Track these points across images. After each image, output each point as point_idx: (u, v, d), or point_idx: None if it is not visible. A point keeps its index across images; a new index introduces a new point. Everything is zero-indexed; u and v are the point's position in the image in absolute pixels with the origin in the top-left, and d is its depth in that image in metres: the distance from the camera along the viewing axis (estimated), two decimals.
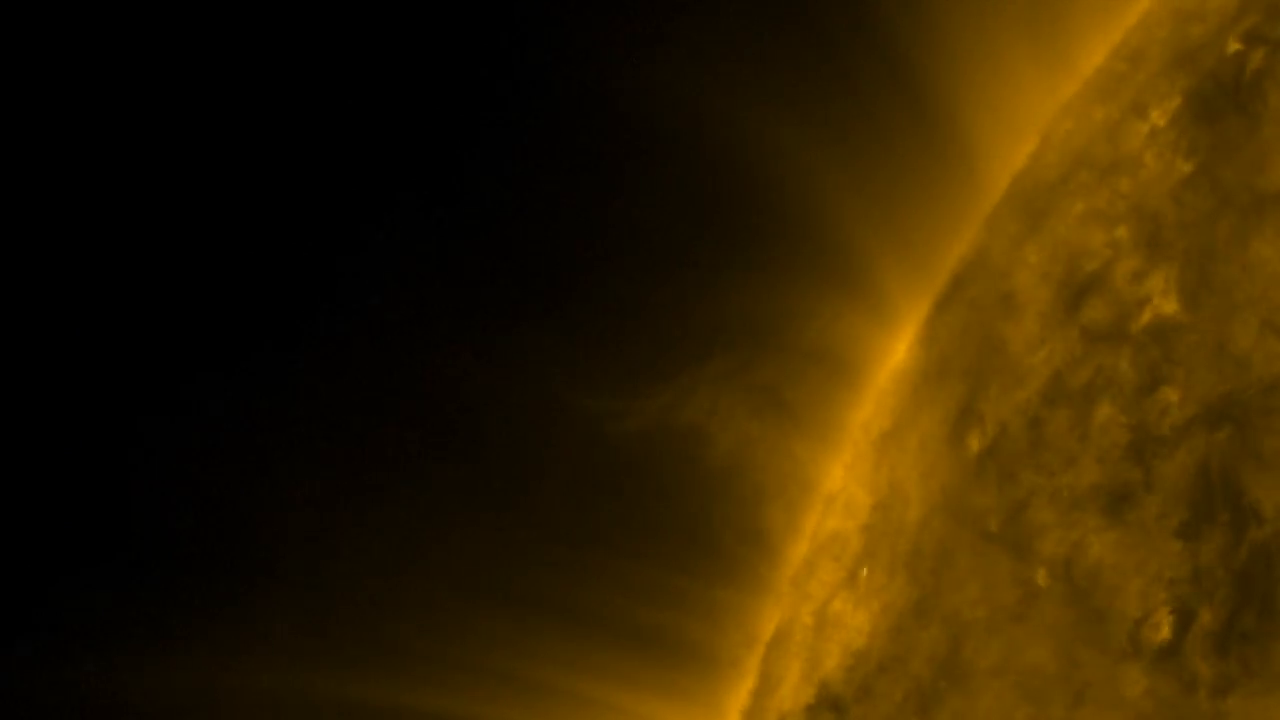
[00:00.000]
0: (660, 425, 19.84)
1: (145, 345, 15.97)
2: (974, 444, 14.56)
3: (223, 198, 15.59)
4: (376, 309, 17.10)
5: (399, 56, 15.80)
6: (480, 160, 17.66)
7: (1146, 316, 12.94)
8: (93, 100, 14.80)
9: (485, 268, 17.62)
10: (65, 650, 17.14)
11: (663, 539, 19.77)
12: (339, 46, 15.46)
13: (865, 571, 15.59)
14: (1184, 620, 12.06)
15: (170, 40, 14.77)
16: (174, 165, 15.27)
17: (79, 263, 15.58)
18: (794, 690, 16.34)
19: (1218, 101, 13.28)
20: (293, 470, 17.27)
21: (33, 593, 16.74)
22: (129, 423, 16.31)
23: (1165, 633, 12.13)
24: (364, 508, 18.15)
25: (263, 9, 14.84)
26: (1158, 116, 14.04)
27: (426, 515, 18.80)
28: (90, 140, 14.97)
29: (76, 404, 16.35)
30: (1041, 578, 13.06)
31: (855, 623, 15.45)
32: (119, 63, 14.66)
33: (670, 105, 17.46)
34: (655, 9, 16.79)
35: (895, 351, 18.53)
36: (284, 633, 18.45)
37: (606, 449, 19.55)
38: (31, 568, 16.58)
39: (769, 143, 18.34)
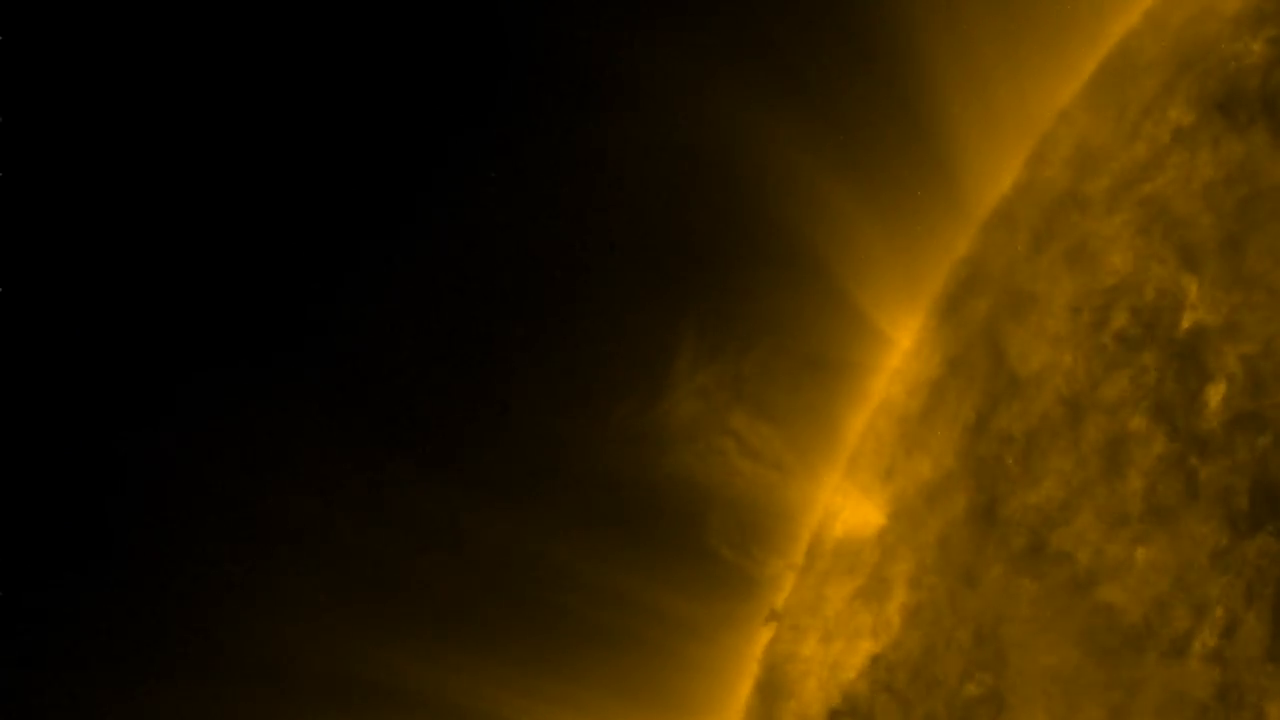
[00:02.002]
0: (652, 437, 19.67)
1: (154, 355, 15.64)
2: (998, 452, 14.48)
3: (230, 215, 15.19)
4: (376, 324, 16.79)
5: (400, 78, 15.45)
6: (474, 178, 17.32)
7: (1183, 323, 12.93)
8: (95, 127, 14.38)
9: (478, 284, 17.35)
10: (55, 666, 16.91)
11: (656, 550, 19.58)
12: (342, 67, 15.10)
13: (887, 581, 15.46)
14: (1230, 625, 12.08)
15: (178, 56, 14.33)
16: (177, 175, 14.83)
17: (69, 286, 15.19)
18: (813, 698, 16.18)
19: (1242, 104, 13.29)
20: (293, 481, 17.03)
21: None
22: (124, 433, 15.98)
23: (1211, 638, 12.15)
24: (361, 521, 17.88)
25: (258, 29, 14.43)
26: (1177, 119, 14.03)
27: (415, 531, 18.55)
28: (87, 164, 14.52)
29: (71, 413, 15.98)
30: (1081, 586, 13.02)
31: (879, 632, 15.31)
32: (122, 80, 14.22)
33: (661, 117, 17.29)
34: (647, 30, 16.52)
35: (891, 361, 18.41)
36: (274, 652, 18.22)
37: (599, 462, 19.34)
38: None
39: (757, 149, 18.17)
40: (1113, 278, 13.81)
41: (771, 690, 17.40)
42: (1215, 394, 12.53)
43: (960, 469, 14.94)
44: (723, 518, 19.83)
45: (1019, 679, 13.39)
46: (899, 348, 18.34)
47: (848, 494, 17.39)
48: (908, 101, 17.75)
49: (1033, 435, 14.07)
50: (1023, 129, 17.30)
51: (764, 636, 19.34)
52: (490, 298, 17.64)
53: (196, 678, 17.73)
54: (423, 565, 18.37)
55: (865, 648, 15.40)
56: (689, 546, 19.99)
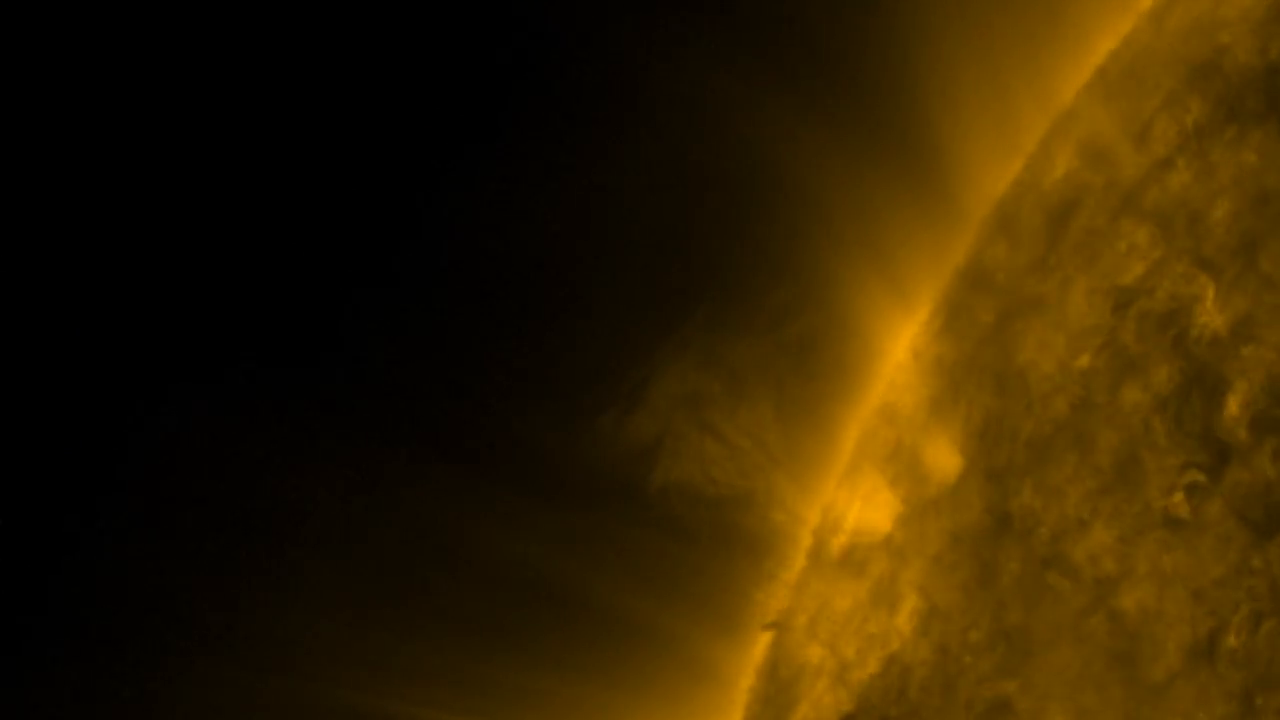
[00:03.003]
0: (648, 445, 19.65)
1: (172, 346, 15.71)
2: (1011, 457, 14.43)
3: (251, 220, 15.21)
4: (391, 331, 16.83)
5: (417, 84, 15.43)
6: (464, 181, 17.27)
7: (1201, 327, 12.90)
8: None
9: (484, 292, 17.37)
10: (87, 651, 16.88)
11: (653, 559, 19.54)
12: (358, 81, 15.11)
13: (899, 586, 15.38)
14: (1254, 630, 12.06)
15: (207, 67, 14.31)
16: (185, 179, 14.83)
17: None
18: (823, 704, 16.08)
19: (1258, 108, 13.28)
20: (306, 480, 17.14)
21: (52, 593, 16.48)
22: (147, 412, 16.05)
23: (1235, 643, 12.12)
24: (369, 524, 17.96)
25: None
26: (1189, 120, 14.03)
27: (421, 536, 18.57)
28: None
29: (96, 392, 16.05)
30: (1101, 591, 12.97)
31: (891, 637, 15.23)
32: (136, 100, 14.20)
33: (667, 119, 17.26)
34: (654, 31, 16.47)
35: (890, 365, 18.34)
36: (304, 641, 18.29)
37: (596, 468, 19.33)
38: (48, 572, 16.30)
39: (757, 152, 18.13)
40: (1127, 281, 13.79)
41: (778, 696, 17.29)
42: (1235, 398, 12.51)
43: (972, 474, 14.89)
44: (719, 525, 19.74)
45: (1038, 685, 13.33)
46: (898, 351, 18.30)
47: (851, 498, 17.31)
48: (908, 103, 17.71)
49: (1047, 440, 14.02)
50: (1022, 130, 17.32)
51: (763, 642, 19.27)
52: (494, 306, 17.63)
53: (201, 673, 17.72)
54: (423, 568, 18.36)
55: (877, 653, 15.32)
56: (686, 554, 19.92)
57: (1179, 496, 12.59)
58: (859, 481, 17.33)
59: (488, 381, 18.26)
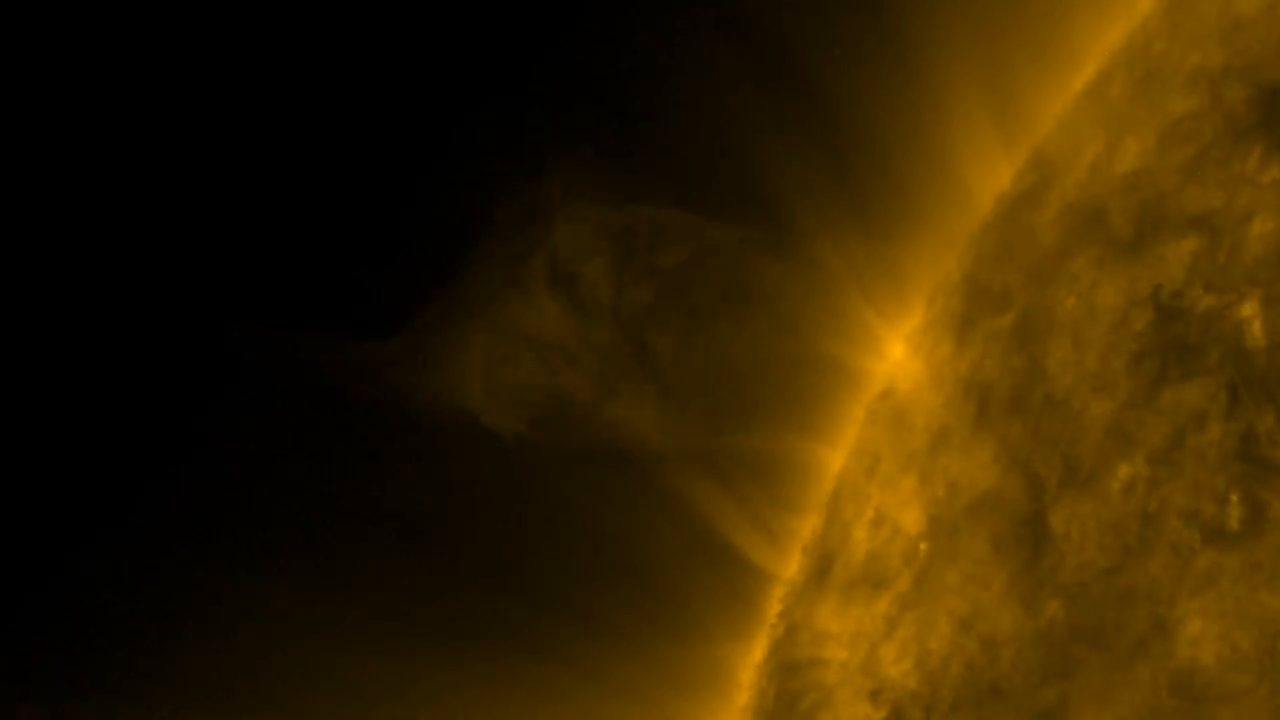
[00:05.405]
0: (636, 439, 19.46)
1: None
2: (1047, 468, 14.31)
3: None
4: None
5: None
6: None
7: (1242, 337, 12.87)
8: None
9: None
10: None
11: (664, 548, 19.41)
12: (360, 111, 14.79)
13: (928, 598, 15.21)
14: None
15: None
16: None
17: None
18: (848, 715, 15.89)
19: None
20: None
21: None
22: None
23: None
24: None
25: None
26: (1214, 126, 13.97)
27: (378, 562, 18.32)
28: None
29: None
30: (1155, 606, 12.91)
31: (926, 651, 15.06)
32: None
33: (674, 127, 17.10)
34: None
35: (885, 378, 18.20)
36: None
37: (590, 478, 19.15)
38: None
39: (754, 158, 18.00)
40: (1162, 289, 13.70)
41: (792, 705, 17.03)
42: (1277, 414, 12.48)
43: (1003, 485, 14.73)
44: (717, 540, 19.52)
45: (1088, 702, 13.24)
46: (895, 362, 18.12)
47: (863, 509, 17.10)
48: (911, 98, 17.59)
49: (1085, 451, 13.91)
50: (1030, 132, 17.21)
51: (762, 647, 19.06)
52: None
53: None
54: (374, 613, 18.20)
55: (909, 666, 15.16)
56: (681, 568, 19.73)
57: (1230, 507, 12.57)
58: (866, 489, 17.13)
59: None
